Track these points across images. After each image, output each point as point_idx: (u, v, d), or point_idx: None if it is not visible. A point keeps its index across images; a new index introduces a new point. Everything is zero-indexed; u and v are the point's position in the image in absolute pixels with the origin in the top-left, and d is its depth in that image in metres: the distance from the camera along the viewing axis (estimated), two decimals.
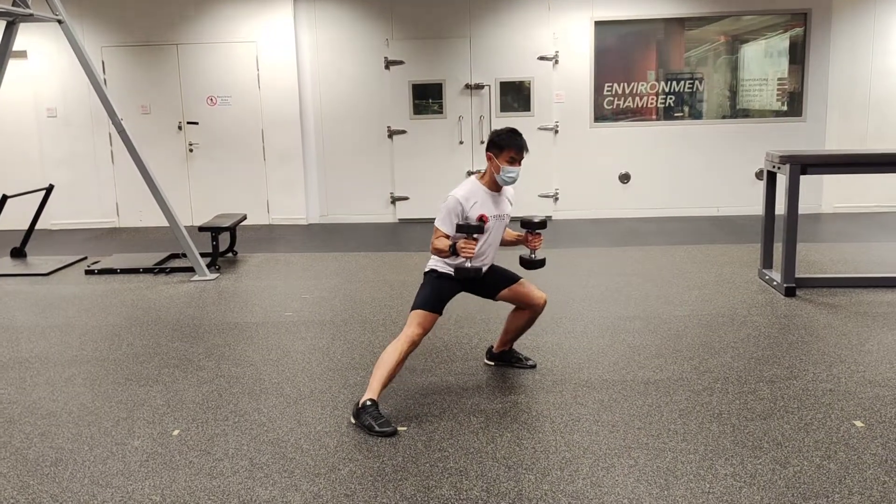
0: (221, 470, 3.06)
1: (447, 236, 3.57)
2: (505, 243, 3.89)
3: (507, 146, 3.60)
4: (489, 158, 3.65)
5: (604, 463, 3.03)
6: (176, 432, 3.42)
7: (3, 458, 3.21)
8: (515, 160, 3.61)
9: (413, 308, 3.59)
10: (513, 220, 3.85)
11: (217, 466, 3.09)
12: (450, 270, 3.61)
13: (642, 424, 3.37)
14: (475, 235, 3.47)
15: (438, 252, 3.56)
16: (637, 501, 2.74)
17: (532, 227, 3.69)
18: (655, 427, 3.34)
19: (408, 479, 2.95)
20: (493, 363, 4.16)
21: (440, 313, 3.62)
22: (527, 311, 3.92)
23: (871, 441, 3.15)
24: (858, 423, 3.32)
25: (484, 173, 3.71)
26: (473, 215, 3.55)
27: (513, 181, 3.66)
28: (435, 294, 3.61)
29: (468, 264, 3.48)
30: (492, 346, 4.19)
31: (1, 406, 3.78)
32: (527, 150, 3.65)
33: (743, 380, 3.86)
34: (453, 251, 3.46)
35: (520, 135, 3.65)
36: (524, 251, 3.78)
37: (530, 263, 3.75)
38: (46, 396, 3.89)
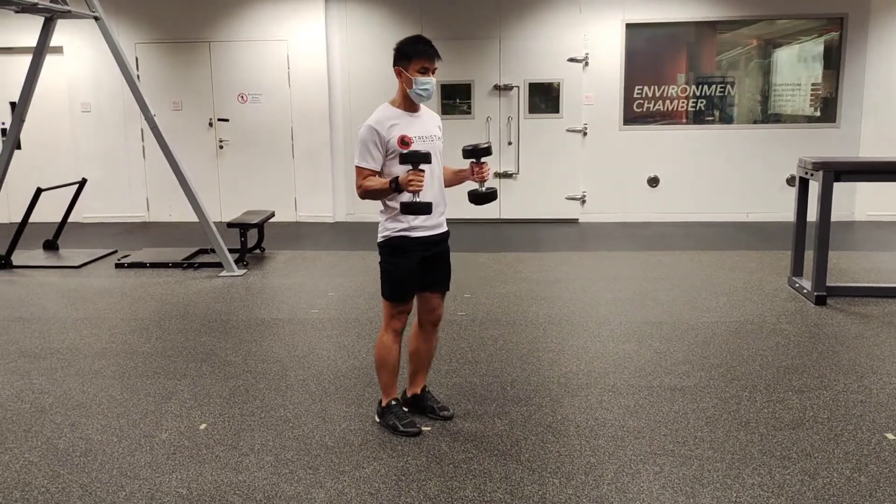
0: (247, 465, 3.08)
1: (376, 173, 3.17)
2: (449, 182, 3.41)
3: (415, 55, 3.16)
4: (398, 73, 3.21)
5: (629, 469, 3.01)
6: (203, 426, 3.46)
7: (34, 448, 3.26)
8: (428, 69, 3.17)
9: (383, 296, 3.33)
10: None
11: (243, 461, 3.11)
12: (404, 231, 3.22)
13: (668, 431, 3.35)
14: (421, 166, 3.05)
15: (372, 193, 3.15)
16: None
17: (476, 155, 3.25)
18: (682, 434, 3.31)
19: (431, 480, 2.95)
20: (405, 407, 3.52)
21: (412, 297, 3.33)
22: (425, 330, 3.48)
23: None
24: (890, 436, 3.27)
25: (395, 96, 3.28)
26: (393, 138, 3.14)
27: (428, 95, 3.20)
28: (396, 282, 3.28)
29: (417, 199, 3.07)
30: (405, 391, 3.62)
31: (33, 396, 3.84)
32: (439, 58, 3.22)
33: (771, 388, 3.81)
34: (396, 186, 3.07)
35: (428, 41, 3.22)
36: (472, 186, 3.31)
37: (480, 197, 3.26)
38: (76, 388, 3.95)
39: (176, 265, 6.79)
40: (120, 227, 9.11)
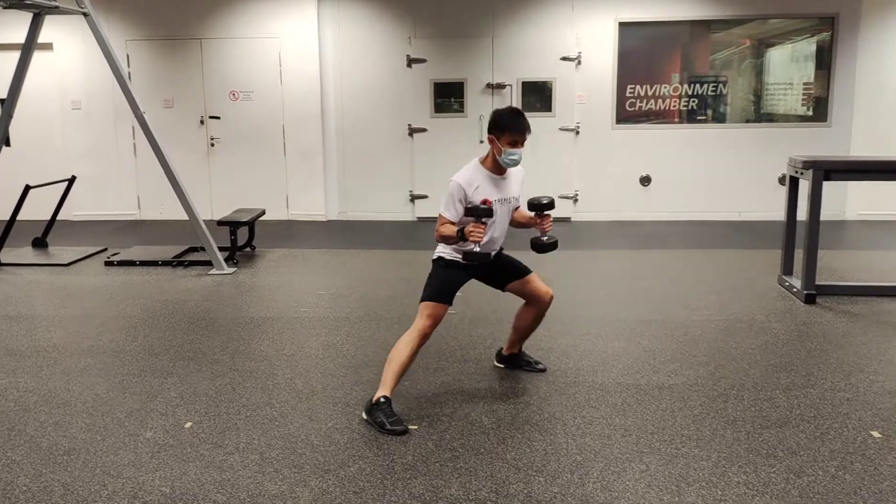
0: (232, 463, 3.07)
1: (452, 223, 3.49)
2: (517, 224, 3.81)
3: (508, 128, 3.47)
4: (491, 141, 3.54)
5: (615, 467, 3.01)
6: (188, 425, 3.44)
7: (17, 446, 3.24)
8: (518, 142, 3.49)
9: (422, 300, 3.54)
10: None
11: (227, 460, 3.10)
12: (458, 257, 3.55)
13: (655, 429, 3.34)
14: (483, 220, 3.38)
15: (445, 239, 3.50)
16: None
17: (539, 209, 3.59)
18: (669, 432, 3.31)
19: (417, 478, 2.94)
20: (503, 366, 4.12)
21: (450, 304, 3.57)
22: (533, 308, 3.86)
23: (889, 452, 3.10)
24: (876, 434, 3.27)
25: (486, 156, 3.60)
26: (477, 199, 3.45)
27: (515, 164, 3.56)
28: (443, 284, 3.56)
29: (477, 249, 3.40)
30: (501, 349, 4.15)
31: (17, 394, 3.82)
32: (529, 131, 3.52)
33: (759, 387, 3.81)
34: (461, 236, 3.39)
35: (522, 115, 3.53)
36: (536, 233, 3.68)
37: (542, 246, 3.64)
38: (62, 386, 3.92)
39: (166, 263, 6.77)
40: (110, 224, 9.07)
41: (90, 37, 6.70)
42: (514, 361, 4.08)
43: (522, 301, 3.91)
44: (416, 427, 3.37)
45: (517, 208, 3.77)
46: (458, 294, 3.63)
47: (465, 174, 3.52)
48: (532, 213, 3.66)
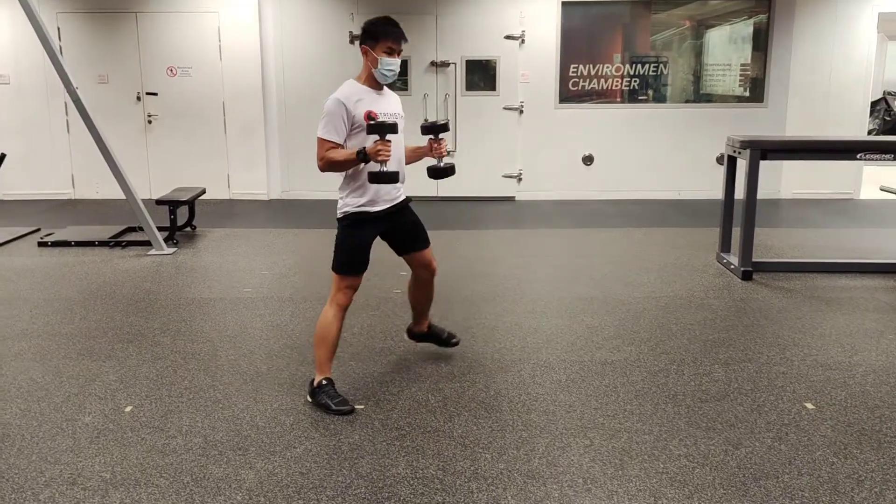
0: (174, 447, 3.01)
1: (340, 146, 3.22)
2: (408, 160, 3.53)
3: (383, 35, 3.24)
4: (364, 52, 3.28)
5: (560, 443, 3.05)
6: (129, 409, 3.36)
7: None
8: (394, 51, 3.26)
9: (334, 270, 3.37)
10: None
11: (170, 444, 3.04)
12: (365, 206, 3.31)
13: (599, 405, 3.40)
14: (388, 137, 3.13)
15: (336, 164, 3.20)
16: (592, 481, 2.76)
17: (434, 132, 3.35)
18: (612, 407, 3.37)
19: (364, 458, 2.93)
20: (415, 341, 3.99)
21: (364, 270, 3.39)
22: (422, 284, 3.72)
23: (821, 423, 3.22)
24: (809, 406, 3.39)
25: (361, 73, 3.34)
26: (359, 114, 3.20)
27: (393, 75, 3.29)
28: (353, 252, 3.35)
29: (385, 168, 3.14)
30: (410, 327, 3.98)
31: None
32: (405, 39, 3.31)
33: (698, 362, 3.91)
34: (364, 157, 3.12)
35: (396, 23, 3.30)
36: (431, 162, 3.43)
37: (440, 172, 3.37)
38: None
39: (102, 244, 6.58)
40: (43, 204, 8.77)
41: (18, 8, 6.42)
42: (427, 338, 3.94)
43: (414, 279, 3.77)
44: (362, 407, 3.37)
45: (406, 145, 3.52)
46: (371, 256, 3.44)
47: (342, 89, 3.25)
48: (426, 140, 3.41)
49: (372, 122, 3.14)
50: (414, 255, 3.62)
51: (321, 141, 3.21)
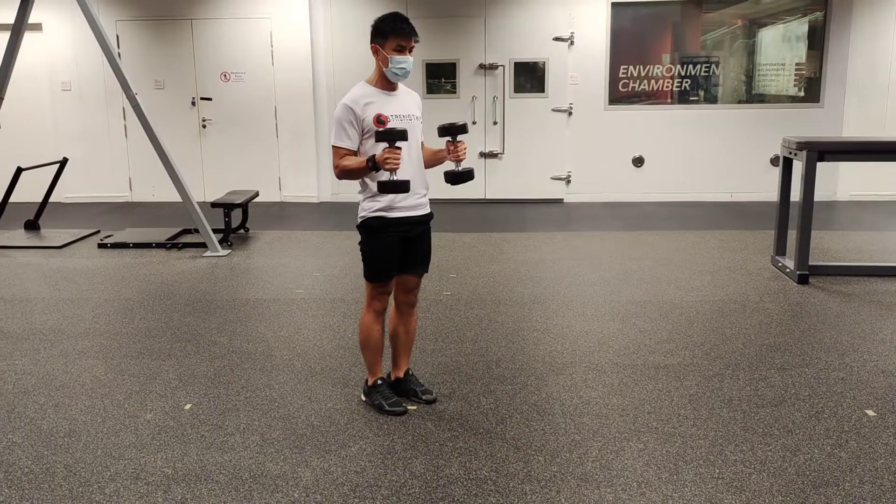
0: (232, 444, 3.08)
1: (354, 153, 3.14)
2: (428, 163, 3.35)
3: (392, 32, 3.12)
4: (375, 51, 3.18)
5: (613, 446, 3.04)
6: (188, 406, 3.45)
7: (17, 428, 3.25)
8: (404, 48, 3.13)
9: (366, 278, 3.30)
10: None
11: (228, 441, 3.11)
12: (382, 212, 3.19)
13: (652, 409, 3.37)
14: (398, 144, 3.00)
15: (350, 172, 3.12)
16: (646, 485, 2.74)
17: (451, 134, 3.18)
18: (665, 412, 3.34)
19: (417, 458, 2.96)
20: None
21: (392, 276, 3.29)
22: (402, 311, 3.44)
23: (883, 430, 3.14)
24: (870, 413, 3.31)
25: (372, 74, 3.24)
26: (369, 116, 3.10)
27: (404, 73, 3.15)
28: (380, 261, 3.24)
29: (395, 177, 3.02)
30: (388, 374, 3.57)
31: (15, 377, 3.82)
32: (416, 36, 3.17)
33: (754, 366, 3.85)
34: (373, 165, 3.02)
35: (405, 18, 3.17)
36: (450, 167, 3.24)
37: (456, 176, 3.19)
38: (60, 368, 3.92)
39: (159, 245, 6.74)
40: (102, 206, 9.02)
41: (80, 17, 6.65)
42: (401, 388, 3.49)
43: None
44: (414, 408, 3.39)
45: (425, 147, 3.36)
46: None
47: (351, 93, 3.17)
48: (444, 142, 3.23)
49: (380, 130, 3.04)
50: (403, 276, 3.35)
51: (335, 149, 3.14)
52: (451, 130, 3.18)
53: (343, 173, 3.15)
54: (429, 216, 3.37)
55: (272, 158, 9.20)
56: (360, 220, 3.29)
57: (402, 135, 3.00)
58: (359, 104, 3.12)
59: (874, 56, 8.57)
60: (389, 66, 3.14)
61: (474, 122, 8.84)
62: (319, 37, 8.95)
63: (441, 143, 3.28)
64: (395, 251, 3.25)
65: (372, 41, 3.20)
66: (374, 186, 3.15)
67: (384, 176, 3.06)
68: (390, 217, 3.21)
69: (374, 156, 3.03)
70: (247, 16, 8.89)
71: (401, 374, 3.51)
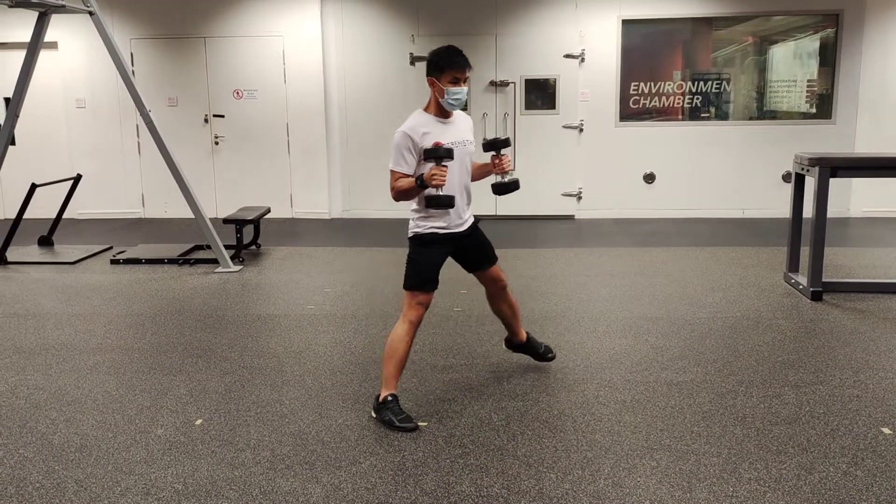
0: (243, 460, 3.08)
1: (408, 176, 3.34)
2: (477, 176, 3.63)
3: (448, 66, 3.32)
4: (431, 84, 3.37)
5: (626, 464, 3.01)
6: (199, 422, 3.45)
7: (29, 443, 3.25)
8: (459, 80, 3.34)
9: (406, 288, 3.46)
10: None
11: (239, 457, 3.11)
12: (435, 228, 3.44)
13: (665, 426, 3.35)
14: (444, 162, 3.23)
15: (403, 193, 3.35)
16: (659, 503, 2.72)
17: (496, 148, 3.48)
18: (678, 429, 3.31)
19: (428, 475, 2.94)
20: (512, 351, 4.10)
21: (434, 288, 3.47)
22: (497, 298, 3.84)
23: None
24: (886, 430, 3.27)
25: (428, 103, 3.44)
26: (427, 145, 3.29)
27: (459, 104, 3.38)
28: (424, 270, 3.44)
29: (440, 192, 3.26)
30: (508, 337, 4.06)
31: (27, 391, 3.83)
32: (470, 68, 3.38)
33: (768, 383, 3.82)
34: (421, 183, 3.25)
35: (460, 51, 3.37)
36: (496, 179, 3.55)
37: (503, 187, 3.51)
38: (72, 383, 3.93)
39: (172, 261, 6.77)
40: (115, 223, 9.08)
41: (95, 35, 6.72)
42: (526, 350, 4.04)
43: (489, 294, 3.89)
44: (425, 424, 3.38)
45: (473, 163, 3.60)
46: (441, 273, 3.53)
47: (409, 121, 3.37)
48: (489, 157, 3.52)
49: (427, 148, 3.24)
50: (482, 274, 3.74)
51: (392, 172, 3.35)
52: (495, 145, 3.47)
53: (398, 194, 3.38)
54: (474, 223, 3.67)
55: (284, 175, 9.24)
56: (411, 234, 3.53)
57: (448, 153, 3.23)
58: (417, 132, 3.32)
59: (886, 73, 8.56)
60: (445, 97, 3.35)
61: (484, 139, 8.86)
62: (331, 54, 9.02)
63: (486, 157, 3.56)
64: (438, 265, 3.49)
65: (428, 74, 3.40)
66: (425, 206, 3.39)
67: (431, 192, 3.28)
68: (441, 234, 3.47)
69: (422, 174, 3.27)
70: (259, 34, 8.97)
71: (523, 339, 3.97)
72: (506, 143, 3.48)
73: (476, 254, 3.69)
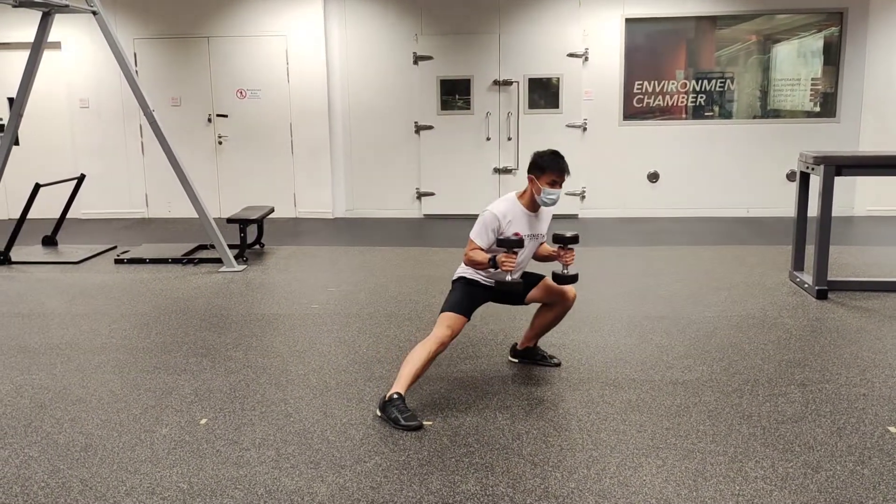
0: (248, 459, 3.07)
1: (482, 250, 3.60)
2: (539, 258, 3.92)
3: (549, 168, 3.60)
4: (531, 180, 3.66)
5: (631, 462, 3.00)
6: (203, 421, 3.44)
7: (34, 443, 3.25)
8: (557, 183, 3.62)
9: (442, 310, 3.61)
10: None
11: (244, 456, 3.10)
12: (478, 278, 3.70)
13: (671, 425, 3.34)
14: (515, 249, 3.49)
15: (475, 264, 3.59)
16: (665, 502, 2.71)
17: (564, 242, 3.69)
18: (684, 428, 3.30)
19: (433, 474, 2.94)
20: (516, 360, 4.14)
21: (469, 317, 3.62)
22: (555, 308, 3.92)
23: None
24: (893, 429, 3.26)
25: (524, 193, 3.72)
26: (508, 232, 3.58)
27: (553, 203, 3.68)
28: (465, 298, 3.65)
29: (509, 277, 3.51)
30: (516, 344, 4.17)
31: (32, 391, 3.83)
32: (568, 173, 3.66)
33: (773, 382, 3.80)
34: (493, 264, 3.50)
35: (562, 158, 3.65)
36: (557, 266, 3.77)
37: (563, 279, 3.75)
38: (76, 383, 3.93)
39: (175, 261, 6.77)
40: (119, 223, 9.09)
41: (98, 35, 6.72)
42: (529, 355, 4.10)
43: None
44: (430, 423, 3.37)
45: (542, 243, 3.89)
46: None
47: (501, 206, 3.65)
48: (556, 247, 3.76)
49: (501, 238, 3.53)
50: (534, 294, 3.89)
51: (470, 241, 3.64)
52: (564, 240, 3.69)
53: (470, 262, 3.63)
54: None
55: (287, 174, 9.24)
56: (457, 277, 3.78)
57: (518, 244, 3.49)
58: (505, 219, 3.63)
59: (890, 71, 8.54)
60: (541, 195, 3.63)
61: (488, 139, 8.87)
62: (335, 54, 9.02)
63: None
64: (477, 300, 3.72)
65: (529, 171, 3.67)
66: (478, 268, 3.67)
67: (502, 276, 3.54)
68: (483, 283, 3.74)
69: (496, 256, 3.50)
70: (262, 33, 8.97)
71: (531, 345, 4.08)
72: (574, 239, 3.69)
73: (516, 295, 3.84)
